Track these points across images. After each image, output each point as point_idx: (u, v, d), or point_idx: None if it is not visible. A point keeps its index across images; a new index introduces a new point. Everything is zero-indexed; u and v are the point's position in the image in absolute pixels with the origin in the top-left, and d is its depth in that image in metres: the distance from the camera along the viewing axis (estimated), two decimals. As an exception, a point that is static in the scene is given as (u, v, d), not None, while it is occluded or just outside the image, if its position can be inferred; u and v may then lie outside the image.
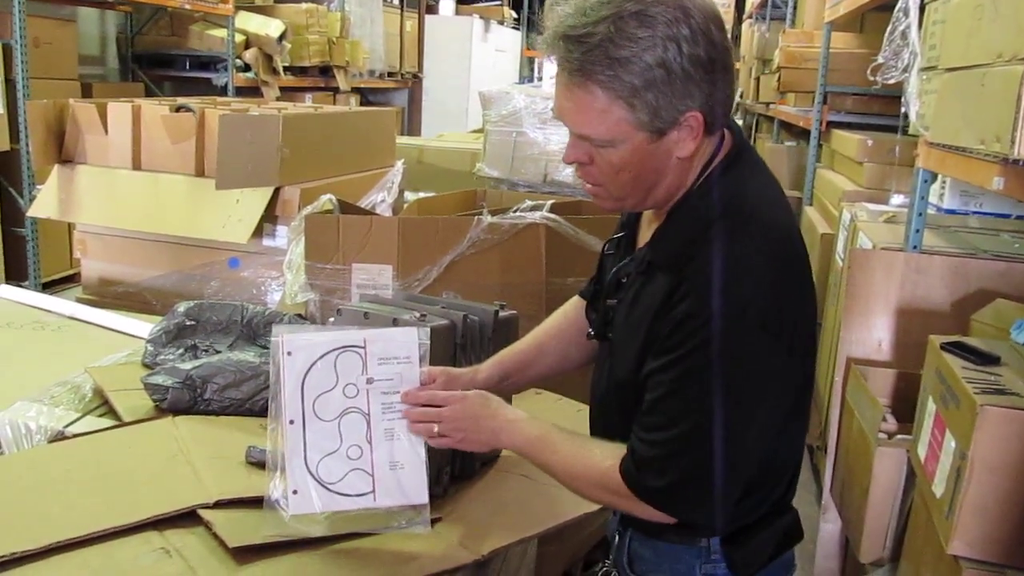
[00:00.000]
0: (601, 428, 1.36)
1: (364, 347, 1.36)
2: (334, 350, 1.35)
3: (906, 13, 2.67)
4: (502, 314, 1.78)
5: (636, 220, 1.36)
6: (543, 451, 1.30)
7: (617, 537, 1.37)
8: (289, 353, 1.33)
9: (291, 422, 1.33)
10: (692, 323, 1.11)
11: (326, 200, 2.70)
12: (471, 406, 1.34)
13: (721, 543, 1.25)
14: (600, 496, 1.27)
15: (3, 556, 1.33)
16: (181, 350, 2.20)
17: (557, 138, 3.79)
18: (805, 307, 1.18)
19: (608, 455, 1.22)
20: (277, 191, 3.16)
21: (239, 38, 6.44)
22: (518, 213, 2.62)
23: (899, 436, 2.23)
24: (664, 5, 1.10)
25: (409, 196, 3.75)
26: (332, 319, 1.70)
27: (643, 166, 1.17)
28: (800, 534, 1.33)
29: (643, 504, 1.19)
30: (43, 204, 3.48)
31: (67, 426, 1.85)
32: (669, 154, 1.17)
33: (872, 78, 2.83)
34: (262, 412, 1.89)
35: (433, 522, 1.49)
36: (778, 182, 1.28)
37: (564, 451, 1.28)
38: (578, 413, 2.04)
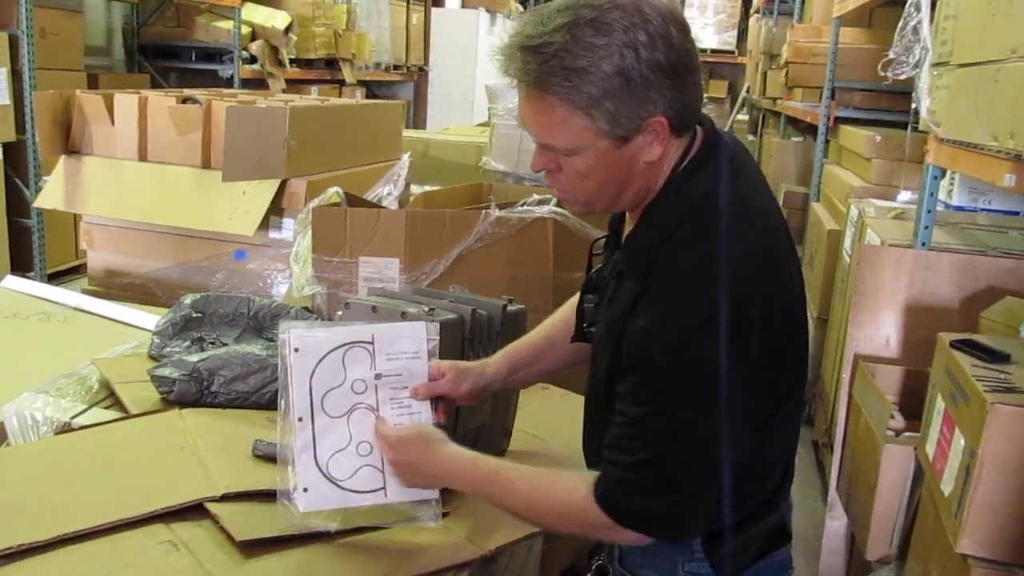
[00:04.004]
0: (586, 427, 1.37)
1: (372, 343, 1.36)
2: (342, 346, 1.34)
3: (918, 8, 2.66)
4: (510, 308, 1.78)
5: (622, 219, 1.34)
6: (495, 492, 1.27)
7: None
8: (297, 349, 1.32)
9: (300, 419, 1.32)
10: (651, 341, 1.10)
11: (333, 193, 2.69)
12: (407, 451, 1.31)
13: (702, 542, 1.24)
14: (580, 530, 1.25)
15: (10, 548, 1.33)
16: (187, 342, 2.20)
17: (563, 132, 3.76)
18: (780, 305, 1.16)
19: (576, 486, 1.19)
20: (283, 183, 3.15)
21: (245, 30, 6.43)
22: (525, 207, 2.61)
23: (907, 433, 2.23)
24: (621, 11, 1.08)
25: (415, 189, 3.73)
26: (340, 312, 1.69)
27: (609, 172, 1.16)
28: (788, 535, 1.31)
29: (625, 530, 1.17)
30: (49, 195, 3.48)
31: (73, 417, 1.85)
32: (635, 159, 1.15)
33: (883, 73, 2.82)
34: (269, 405, 1.89)
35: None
36: (757, 173, 1.26)
37: (523, 489, 1.24)
38: (585, 408, 2.04)
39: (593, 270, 1.36)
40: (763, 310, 1.12)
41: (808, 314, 1.35)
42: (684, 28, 1.13)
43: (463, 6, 10.90)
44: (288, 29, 6.61)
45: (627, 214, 1.32)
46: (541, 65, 1.09)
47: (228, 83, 6.30)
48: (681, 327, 1.09)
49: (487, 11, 10.47)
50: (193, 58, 6.60)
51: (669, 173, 1.19)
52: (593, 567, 1.42)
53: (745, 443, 1.16)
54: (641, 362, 1.12)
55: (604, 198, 1.20)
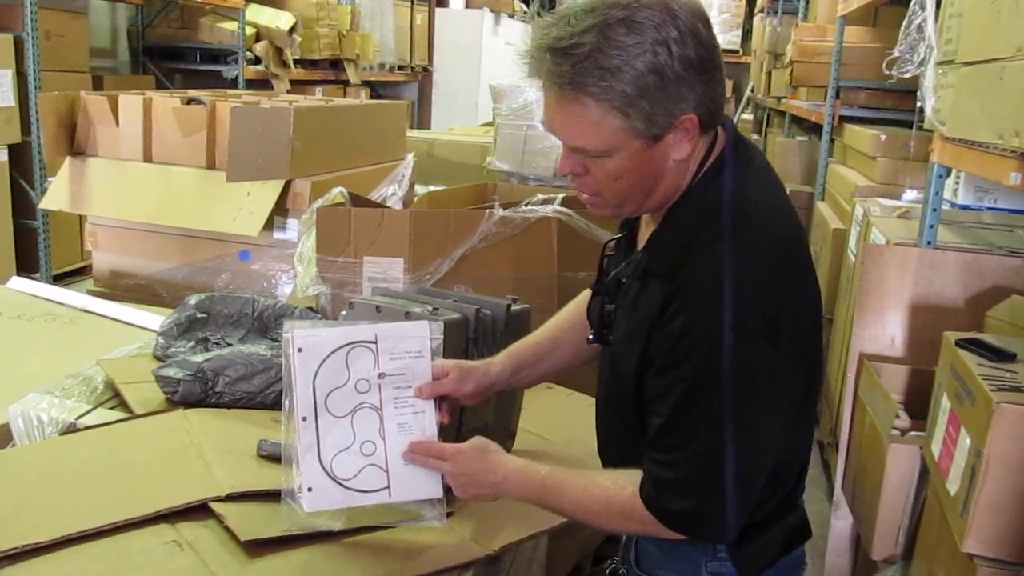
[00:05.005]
0: (603, 429, 1.37)
1: (375, 342, 1.36)
2: (345, 345, 1.34)
3: (922, 6, 2.65)
4: (514, 308, 1.78)
5: (636, 220, 1.34)
6: (547, 496, 1.28)
7: (625, 534, 1.37)
8: (300, 349, 1.32)
9: (304, 418, 1.32)
10: (688, 340, 1.10)
11: (337, 193, 2.70)
12: (466, 463, 1.32)
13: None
14: (626, 527, 1.25)
15: (15, 548, 1.34)
16: (192, 343, 2.21)
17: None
18: (803, 305, 1.17)
19: (623, 484, 1.20)
20: (288, 184, 3.15)
21: (249, 31, 6.44)
22: (529, 207, 2.61)
23: (912, 433, 2.22)
24: (650, 9, 1.08)
25: (419, 189, 3.74)
26: (344, 312, 1.69)
27: (640, 172, 1.16)
28: (808, 532, 1.32)
29: (668, 528, 1.18)
30: (54, 196, 3.49)
31: (79, 418, 1.85)
32: (666, 158, 1.15)
33: (888, 72, 2.82)
34: (273, 405, 1.89)
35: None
36: (775, 175, 1.26)
37: (572, 491, 1.25)
38: (590, 408, 2.03)
39: (612, 270, 1.34)
40: (791, 311, 1.13)
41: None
42: (709, 23, 1.13)
43: (467, 6, 10.89)
44: (292, 30, 6.62)
45: (643, 215, 1.31)
46: (574, 66, 1.08)
47: (232, 84, 6.31)
48: (714, 329, 1.09)
49: (491, 11, 10.47)
50: (198, 59, 6.62)
51: (694, 172, 1.19)
52: (607, 572, 1.41)
53: (776, 442, 1.16)
54: (675, 363, 1.12)
55: (634, 199, 1.20)
